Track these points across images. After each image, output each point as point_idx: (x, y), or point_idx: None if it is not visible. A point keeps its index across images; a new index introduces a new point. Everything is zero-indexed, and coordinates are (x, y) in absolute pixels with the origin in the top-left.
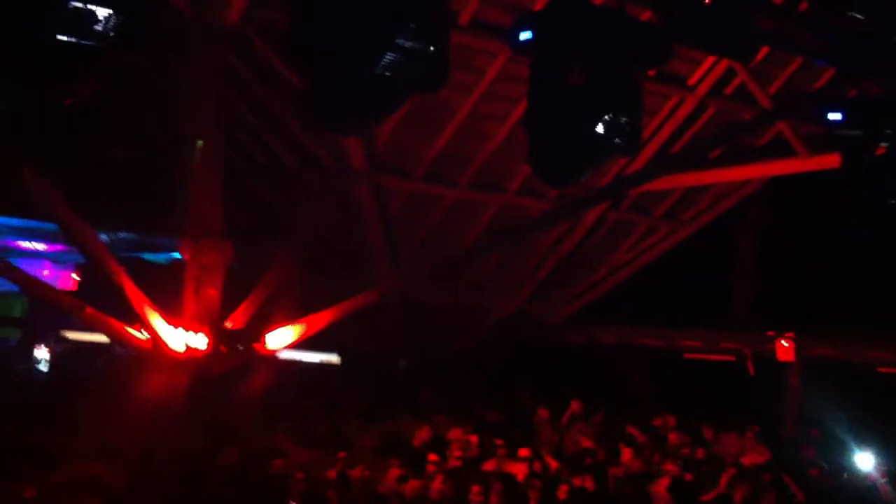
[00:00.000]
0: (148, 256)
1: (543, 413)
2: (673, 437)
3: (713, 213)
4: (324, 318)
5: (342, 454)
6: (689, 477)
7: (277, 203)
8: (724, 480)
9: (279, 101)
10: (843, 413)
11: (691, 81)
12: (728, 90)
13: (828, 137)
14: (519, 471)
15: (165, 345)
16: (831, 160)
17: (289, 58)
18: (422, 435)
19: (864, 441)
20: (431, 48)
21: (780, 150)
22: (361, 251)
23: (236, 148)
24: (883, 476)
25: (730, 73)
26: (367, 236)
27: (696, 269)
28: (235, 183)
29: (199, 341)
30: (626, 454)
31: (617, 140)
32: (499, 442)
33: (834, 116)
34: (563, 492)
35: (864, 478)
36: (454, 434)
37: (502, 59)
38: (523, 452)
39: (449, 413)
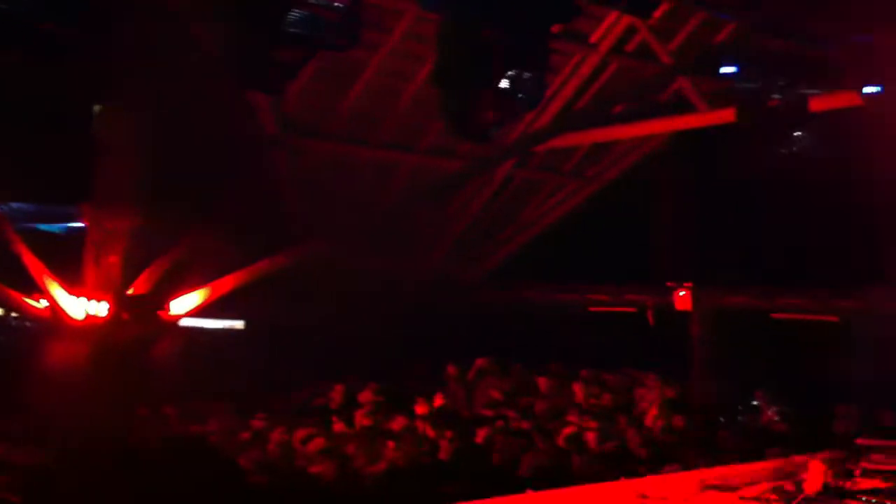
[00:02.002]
0: (44, 227)
1: (451, 370)
2: (578, 388)
3: (619, 168)
4: (229, 282)
5: (259, 417)
6: (592, 424)
7: (186, 167)
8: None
9: (190, 63)
10: (741, 357)
11: (593, 39)
12: (630, 47)
13: (726, 92)
14: (425, 426)
15: (65, 314)
16: (728, 114)
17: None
18: (334, 396)
19: (760, 382)
20: (340, 5)
21: (681, 105)
22: (276, 214)
23: (145, 113)
24: (775, 413)
25: (631, 30)
26: (281, 199)
27: (604, 225)
28: (144, 148)
29: (100, 309)
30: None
31: (521, 95)
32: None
33: (728, 70)
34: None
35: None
36: (365, 396)
37: (409, 17)
38: (422, 407)
39: (363, 375)
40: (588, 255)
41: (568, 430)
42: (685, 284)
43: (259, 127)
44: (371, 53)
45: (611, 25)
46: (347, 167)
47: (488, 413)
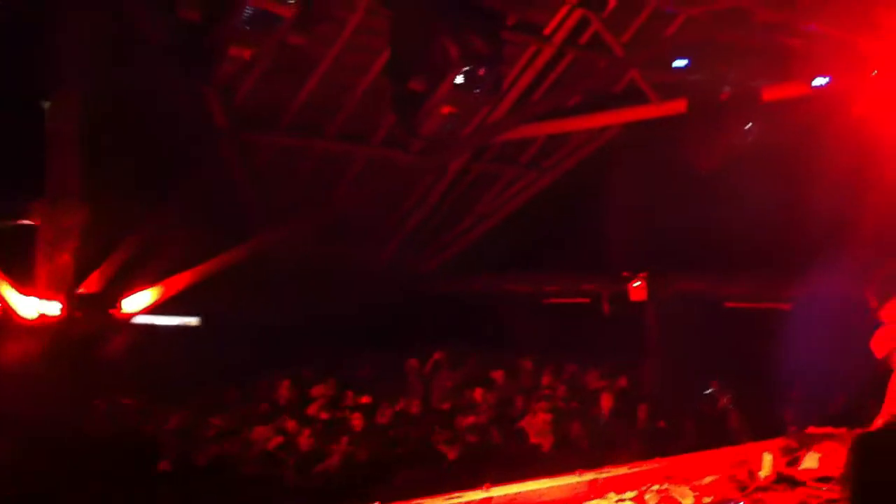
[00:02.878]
0: None
1: (412, 363)
2: (537, 379)
3: (574, 159)
4: (183, 279)
5: (215, 413)
6: (546, 416)
7: (139, 162)
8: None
9: (140, 56)
10: (696, 346)
11: (547, 31)
12: (583, 39)
13: (677, 83)
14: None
15: (16, 313)
16: (680, 106)
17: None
18: (287, 392)
19: (715, 370)
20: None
21: (634, 96)
22: (231, 208)
23: (97, 106)
24: (728, 400)
25: (584, 22)
26: (235, 192)
27: (561, 215)
28: (95, 143)
29: (52, 308)
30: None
31: (477, 90)
32: (365, 398)
33: (679, 63)
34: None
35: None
36: (317, 390)
37: (362, 10)
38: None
39: (319, 368)
40: (544, 245)
41: (523, 423)
42: (640, 274)
43: (210, 120)
44: (324, 47)
45: (564, 17)
46: (301, 160)
47: (445, 406)
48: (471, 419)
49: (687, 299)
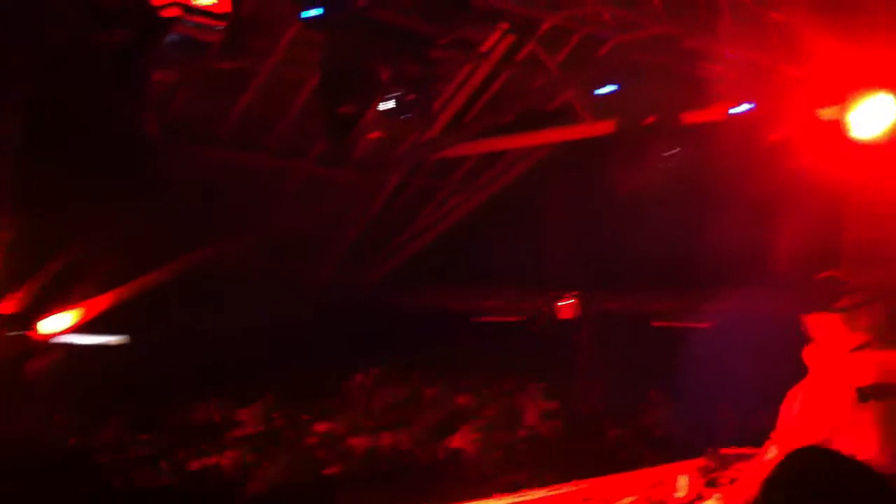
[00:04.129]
0: None
1: (357, 378)
2: (468, 397)
3: (510, 176)
4: (109, 298)
5: (145, 434)
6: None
7: (66, 176)
8: None
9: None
10: (626, 364)
11: (484, 48)
12: (519, 57)
13: (609, 104)
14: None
15: None
16: (609, 126)
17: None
18: (221, 411)
19: (645, 389)
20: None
21: (568, 116)
22: (164, 223)
23: (29, 118)
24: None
25: (521, 41)
26: (169, 207)
27: (495, 232)
28: (19, 155)
29: None
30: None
31: (407, 115)
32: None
33: (608, 88)
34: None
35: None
36: (255, 409)
37: (298, 25)
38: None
39: (255, 386)
40: (479, 262)
41: (449, 442)
42: (571, 293)
43: (144, 133)
44: (260, 60)
45: (501, 36)
46: (238, 174)
47: (383, 423)
48: (403, 437)
49: (615, 318)
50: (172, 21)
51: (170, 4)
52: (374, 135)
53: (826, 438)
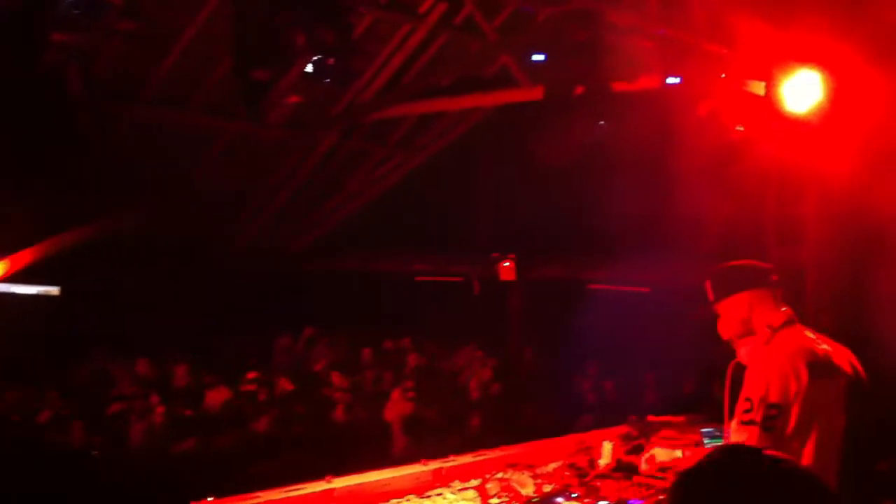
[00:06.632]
0: None
1: (283, 341)
2: (411, 358)
3: (446, 139)
4: (33, 253)
5: (55, 394)
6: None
7: None
8: None
9: None
10: (560, 328)
11: (422, 10)
12: (457, 20)
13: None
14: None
15: None
16: (539, 92)
17: None
18: (141, 370)
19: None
20: None
21: (505, 80)
22: (89, 181)
23: None
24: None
25: (458, 4)
26: (94, 165)
27: (433, 194)
28: None
29: None
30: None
31: (327, 80)
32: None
33: (539, 57)
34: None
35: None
36: (181, 370)
37: None
38: (250, 376)
39: (182, 348)
40: (416, 224)
41: (386, 405)
42: (509, 255)
43: (68, 90)
44: (187, 17)
45: None
46: (164, 133)
47: (319, 386)
48: (335, 398)
49: (552, 281)
50: None
51: None
52: (293, 99)
53: None
